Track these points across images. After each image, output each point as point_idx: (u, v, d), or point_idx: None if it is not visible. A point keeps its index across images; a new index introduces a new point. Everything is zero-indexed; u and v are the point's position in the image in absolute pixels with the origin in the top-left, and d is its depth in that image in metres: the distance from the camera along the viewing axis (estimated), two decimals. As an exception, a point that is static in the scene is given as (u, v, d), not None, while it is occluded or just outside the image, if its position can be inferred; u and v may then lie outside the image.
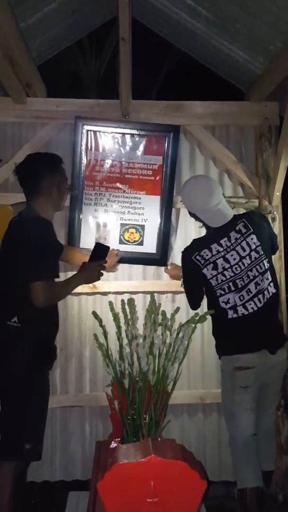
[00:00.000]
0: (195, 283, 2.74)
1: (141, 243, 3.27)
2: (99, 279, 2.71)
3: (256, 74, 3.27)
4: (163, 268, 3.32)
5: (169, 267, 3.24)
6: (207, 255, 2.63)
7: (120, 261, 3.20)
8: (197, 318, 2.49)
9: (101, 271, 2.68)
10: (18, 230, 2.49)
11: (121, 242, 3.26)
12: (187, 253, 2.74)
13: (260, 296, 2.58)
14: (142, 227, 3.27)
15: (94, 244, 2.75)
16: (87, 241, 3.20)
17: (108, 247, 2.70)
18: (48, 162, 2.66)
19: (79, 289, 3.09)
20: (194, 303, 2.81)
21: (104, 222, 3.26)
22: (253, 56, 3.16)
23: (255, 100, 3.36)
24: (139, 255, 3.27)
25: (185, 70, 6.30)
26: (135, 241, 3.27)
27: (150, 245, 3.27)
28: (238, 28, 2.97)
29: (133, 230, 3.26)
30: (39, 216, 2.53)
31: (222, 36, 3.14)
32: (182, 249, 2.81)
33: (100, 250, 2.67)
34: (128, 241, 3.27)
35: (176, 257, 3.30)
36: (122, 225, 3.26)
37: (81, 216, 3.23)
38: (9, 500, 2.35)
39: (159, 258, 3.27)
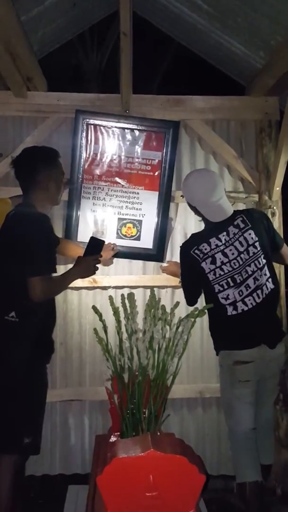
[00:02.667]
0: (193, 278, 2.73)
1: (138, 238, 3.27)
2: (94, 273, 2.68)
3: (257, 69, 3.26)
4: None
5: (166, 264, 3.22)
6: (205, 249, 2.63)
7: (117, 255, 3.19)
8: (196, 312, 2.49)
9: (97, 265, 2.67)
10: (15, 225, 2.47)
11: (118, 236, 3.25)
12: (186, 247, 2.73)
13: (259, 291, 2.58)
14: (140, 222, 3.27)
15: (89, 238, 2.75)
16: (85, 234, 3.19)
17: (103, 241, 2.68)
18: (45, 156, 2.64)
19: (79, 283, 3.11)
20: (191, 299, 2.78)
21: (102, 216, 3.26)
22: (253, 50, 3.15)
23: (255, 94, 3.35)
24: (136, 250, 3.26)
25: (186, 64, 6.27)
26: (132, 236, 3.27)
27: (147, 241, 3.27)
28: (239, 22, 2.95)
29: (131, 225, 3.26)
30: (36, 211, 2.52)
31: (223, 30, 3.13)
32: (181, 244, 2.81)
33: (95, 244, 2.65)
34: (125, 235, 3.27)
35: (174, 253, 3.30)
36: (120, 219, 3.26)
37: (79, 209, 3.22)
38: (8, 492, 2.36)
39: (156, 254, 3.27)
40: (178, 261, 2.89)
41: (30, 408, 2.47)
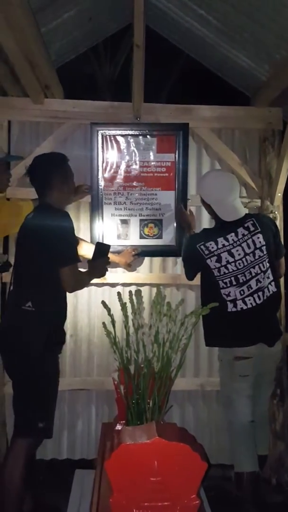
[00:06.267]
0: (193, 264, 2.77)
1: (160, 237, 3.30)
2: (104, 274, 2.76)
3: (262, 81, 3.26)
4: (168, 262, 3.33)
5: (187, 211, 3.16)
6: (212, 247, 2.63)
7: (141, 254, 3.22)
8: (200, 310, 2.49)
9: (106, 266, 2.74)
10: (43, 222, 2.49)
11: (141, 237, 3.28)
12: (194, 239, 2.75)
13: (260, 293, 2.57)
14: (160, 221, 3.29)
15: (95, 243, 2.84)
16: (110, 239, 3.22)
17: (109, 246, 2.74)
18: (56, 161, 2.67)
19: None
20: (189, 275, 2.84)
21: (124, 219, 3.29)
22: (259, 63, 3.14)
23: (260, 105, 3.35)
24: (159, 248, 3.30)
25: (194, 75, 6.25)
26: (154, 235, 3.29)
27: (168, 238, 3.30)
28: (246, 37, 2.95)
29: (152, 225, 3.29)
30: (58, 208, 2.57)
31: (230, 44, 3.13)
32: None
33: (101, 249, 2.72)
34: (148, 235, 3.29)
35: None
36: (141, 220, 3.28)
37: (102, 215, 3.25)
38: (20, 474, 2.37)
39: (178, 249, 3.26)
40: None
41: (44, 394, 2.48)
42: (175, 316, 2.53)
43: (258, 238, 2.62)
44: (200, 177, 3.19)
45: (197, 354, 3.33)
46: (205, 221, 3.31)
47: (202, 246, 2.65)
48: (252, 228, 2.64)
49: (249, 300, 2.57)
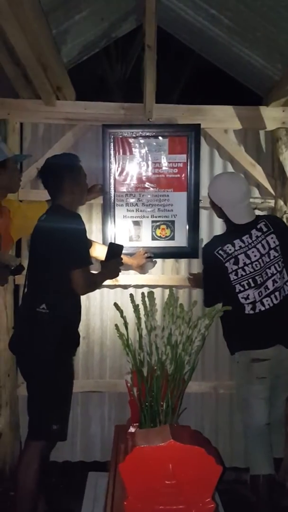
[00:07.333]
0: (215, 278, 2.70)
1: (172, 238, 3.29)
2: (117, 275, 2.78)
3: (274, 81, 3.25)
4: (181, 263, 3.33)
5: (194, 273, 3.17)
6: (230, 249, 2.62)
7: (154, 256, 3.22)
8: (213, 312, 2.49)
9: (120, 267, 2.75)
10: (55, 223, 2.50)
11: (153, 238, 3.28)
12: (209, 248, 2.72)
13: (277, 293, 2.56)
14: (172, 222, 3.29)
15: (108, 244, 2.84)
16: (122, 240, 3.21)
17: (122, 246, 2.75)
18: (68, 163, 2.67)
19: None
20: (208, 301, 2.74)
21: (136, 220, 3.29)
22: (271, 63, 3.14)
23: (272, 105, 3.32)
24: (171, 249, 3.29)
25: (206, 75, 6.24)
26: (166, 237, 3.29)
27: (181, 239, 3.29)
28: (258, 36, 2.95)
29: (164, 226, 3.28)
30: (70, 210, 2.57)
31: (243, 43, 3.13)
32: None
33: (114, 249, 2.73)
34: (160, 237, 3.29)
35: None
36: (153, 222, 3.29)
37: (114, 216, 3.26)
38: (34, 477, 2.38)
39: (190, 251, 3.28)
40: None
41: (59, 396, 2.49)
42: (188, 318, 2.53)
43: (272, 238, 2.61)
44: (212, 178, 3.17)
45: (211, 356, 3.32)
46: (218, 224, 3.29)
47: (220, 251, 2.64)
48: (265, 229, 2.63)
49: (267, 301, 2.56)
